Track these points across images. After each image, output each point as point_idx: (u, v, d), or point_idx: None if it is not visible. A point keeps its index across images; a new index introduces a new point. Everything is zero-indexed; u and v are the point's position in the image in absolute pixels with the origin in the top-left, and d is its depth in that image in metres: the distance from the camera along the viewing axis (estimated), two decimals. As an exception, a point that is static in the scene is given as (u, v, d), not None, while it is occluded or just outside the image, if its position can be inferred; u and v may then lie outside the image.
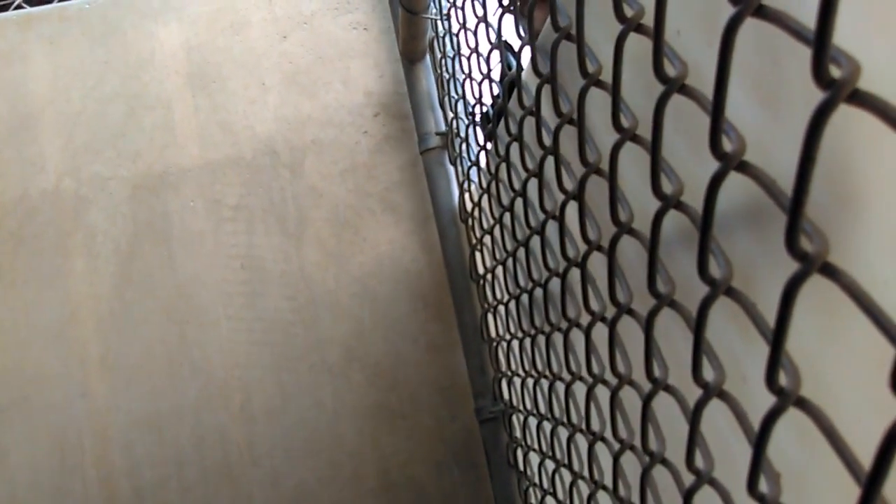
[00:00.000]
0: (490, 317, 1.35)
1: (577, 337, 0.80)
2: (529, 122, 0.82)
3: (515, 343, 1.17)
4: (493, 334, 1.36)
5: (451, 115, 1.39)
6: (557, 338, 0.90)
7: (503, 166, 0.98)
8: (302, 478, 1.44)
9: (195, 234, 1.53)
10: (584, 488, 0.88)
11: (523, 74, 0.84)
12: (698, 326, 0.45)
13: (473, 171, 1.26)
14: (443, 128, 1.47)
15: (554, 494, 1.07)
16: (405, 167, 1.56)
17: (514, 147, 0.91)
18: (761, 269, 0.47)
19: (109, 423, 1.45)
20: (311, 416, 1.48)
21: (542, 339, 0.97)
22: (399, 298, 1.54)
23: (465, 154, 1.30)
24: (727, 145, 0.40)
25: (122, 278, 1.50)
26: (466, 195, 1.36)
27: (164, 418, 1.46)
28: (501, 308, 1.24)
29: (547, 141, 0.73)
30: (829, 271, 0.35)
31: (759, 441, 0.39)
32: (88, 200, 1.53)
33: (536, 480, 1.19)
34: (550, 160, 0.75)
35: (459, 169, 1.38)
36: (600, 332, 0.71)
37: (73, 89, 1.58)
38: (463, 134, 1.29)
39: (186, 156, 1.56)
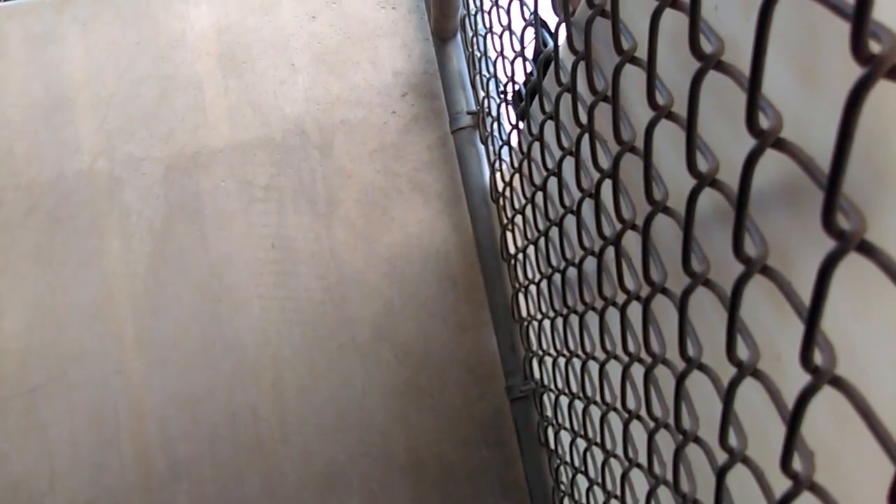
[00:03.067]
0: (521, 297, 1.35)
1: (611, 317, 0.80)
2: (564, 100, 0.81)
3: (547, 323, 1.18)
4: (525, 314, 1.36)
5: (482, 93, 1.38)
6: (591, 317, 0.90)
7: (536, 145, 0.98)
8: (332, 454, 1.46)
9: (227, 214, 1.55)
10: (617, 466, 0.89)
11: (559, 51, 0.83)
12: (733, 305, 0.45)
13: (505, 150, 1.25)
14: (474, 107, 1.46)
15: (585, 473, 1.07)
16: (434, 147, 1.56)
17: (548, 126, 0.91)
18: (797, 248, 0.46)
19: (145, 399, 1.48)
20: (341, 394, 1.50)
21: (574, 319, 0.97)
22: (428, 278, 1.54)
23: (496, 133, 1.29)
24: (764, 122, 0.40)
25: (156, 257, 1.53)
26: (497, 175, 1.35)
27: (197, 395, 1.49)
28: (533, 288, 1.24)
29: (583, 118, 0.73)
30: (866, 249, 0.34)
31: (794, 419, 0.39)
32: (122, 181, 1.55)
33: (567, 459, 1.20)
34: (586, 138, 0.75)
35: (491, 148, 1.37)
36: (635, 312, 0.71)
37: (107, 71, 1.60)
38: (494, 113, 1.28)
39: (217, 136, 1.58)
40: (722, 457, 0.53)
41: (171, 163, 1.56)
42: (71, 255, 1.52)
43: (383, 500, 1.46)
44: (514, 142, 1.18)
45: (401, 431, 1.49)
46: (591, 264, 0.86)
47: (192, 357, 1.50)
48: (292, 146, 1.58)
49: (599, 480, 0.99)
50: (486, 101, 1.35)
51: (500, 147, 1.27)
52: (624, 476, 0.86)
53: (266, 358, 1.51)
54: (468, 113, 1.44)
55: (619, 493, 0.89)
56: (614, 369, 0.83)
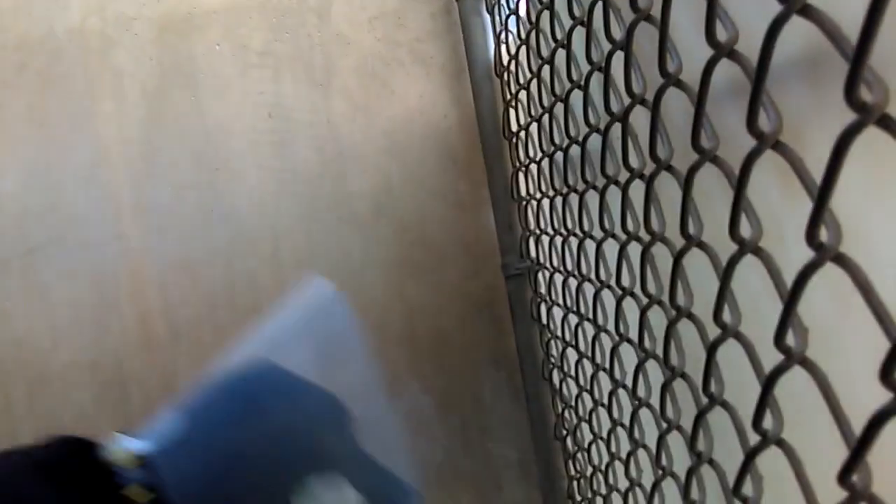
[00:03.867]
0: (521, 176, 1.34)
1: (612, 196, 0.80)
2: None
3: (546, 202, 1.17)
4: (524, 193, 1.35)
5: (489, -41, 1.31)
6: (591, 197, 0.89)
7: (545, 14, 0.94)
8: (330, 323, 1.50)
9: (222, 80, 1.51)
10: (607, 341, 0.91)
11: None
12: (741, 180, 0.44)
13: (512, 21, 1.20)
14: (479, -27, 1.39)
15: (576, 347, 1.10)
16: (437, 15, 1.50)
17: (557, -7, 0.87)
18: (811, 125, 0.45)
19: (144, 264, 1.50)
20: (339, 266, 1.51)
21: (574, 198, 0.97)
22: (428, 155, 1.52)
23: (503, 2, 1.24)
24: (793, -13, 0.38)
25: (151, 122, 1.50)
26: (503, 47, 1.31)
27: (196, 262, 1.50)
28: (533, 167, 1.23)
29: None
30: (886, 123, 0.33)
31: (792, 294, 0.39)
32: (114, 41, 1.49)
33: (559, 334, 1.23)
34: (599, 6, 0.71)
35: (497, 18, 1.32)
36: (637, 192, 0.70)
37: (94, -79, 1.51)
38: (501, -21, 1.22)
39: (212, -3, 1.51)
40: (714, 332, 0.54)
41: (164, 23, 1.50)
42: (63, 116, 1.48)
43: (380, 368, 1.50)
44: (523, 11, 1.13)
45: (397, 305, 1.51)
46: (594, 143, 0.85)
47: (191, 225, 1.50)
48: (289, 9, 1.51)
49: (589, 354, 1.02)
50: (494, -34, 1.29)
51: (507, 17, 1.22)
52: (614, 350, 0.88)
53: (265, 228, 1.51)
54: (475, -21, 1.37)
55: (607, 366, 0.92)
56: (611, 249, 0.83)
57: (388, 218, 1.52)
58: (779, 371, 0.43)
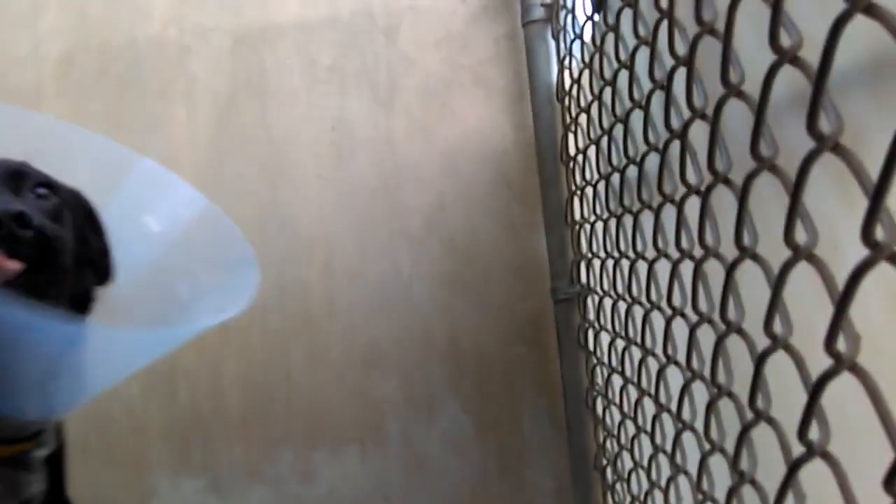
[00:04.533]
0: (576, 200, 1.34)
1: (667, 214, 0.79)
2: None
3: (600, 225, 1.17)
4: (578, 217, 1.36)
5: (557, -15, 1.34)
6: (646, 217, 0.89)
7: (609, 37, 0.95)
8: (375, 335, 1.51)
9: (289, 93, 1.56)
10: (654, 365, 0.90)
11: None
12: (798, 183, 0.44)
13: (577, 45, 1.22)
14: (548, -1, 1.42)
15: (622, 373, 1.09)
16: (501, 40, 1.53)
17: (625, 15, 0.88)
18: (872, 132, 0.45)
19: (201, 266, 1.54)
20: (388, 280, 1.53)
21: (628, 219, 0.97)
22: (483, 176, 1.54)
23: (569, 27, 1.26)
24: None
25: (220, 129, 1.55)
26: (566, 72, 1.32)
27: (251, 267, 1.53)
28: (589, 190, 1.23)
29: (664, 3, 0.70)
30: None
31: (844, 295, 0.39)
32: (191, 50, 1.56)
33: (605, 360, 1.22)
34: (663, 25, 0.72)
35: (562, 44, 1.34)
36: (692, 209, 0.70)
37: (181, -63, 1.59)
38: (570, 4, 1.24)
39: (285, 12, 1.57)
40: (764, 343, 0.53)
41: (239, 36, 1.57)
42: (138, 119, 1.55)
43: (420, 384, 1.51)
44: (588, 36, 1.14)
45: (443, 321, 1.52)
46: (652, 162, 0.85)
47: (249, 229, 1.53)
48: (358, 28, 1.56)
49: (634, 379, 1.01)
50: (561, -8, 1.31)
51: (572, 41, 1.24)
52: (660, 373, 0.87)
53: (319, 238, 1.54)
54: (542, 5, 1.39)
55: (653, 390, 0.91)
56: (663, 269, 0.83)
57: (439, 235, 1.53)
58: (828, 376, 0.42)
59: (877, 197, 0.35)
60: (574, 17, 1.22)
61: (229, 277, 0.91)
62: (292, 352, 1.52)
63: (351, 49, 1.56)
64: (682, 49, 0.68)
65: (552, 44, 1.41)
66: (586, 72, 1.14)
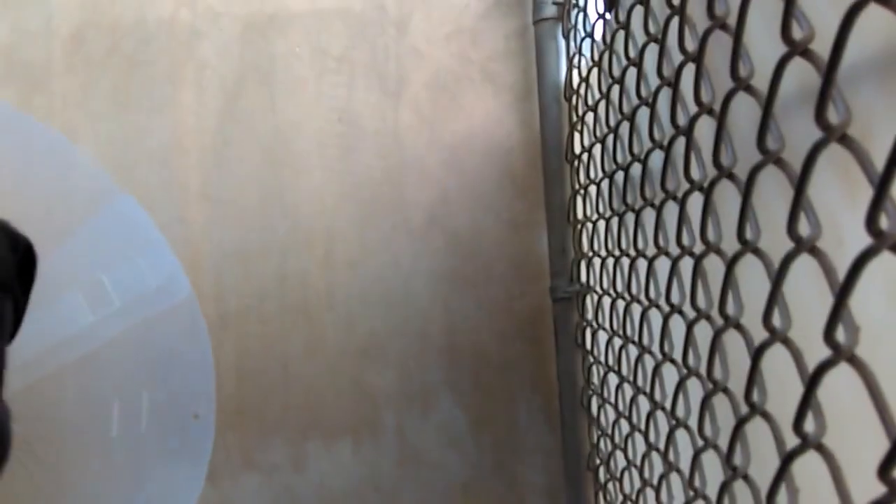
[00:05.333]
0: (579, 199, 1.35)
1: (669, 211, 0.80)
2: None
3: (602, 223, 1.17)
4: (580, 216, 1.36)
5: (569, -17, 1.34)
6: (648, 215, 0.89)
7: (620, 34, 0.95)
8: (373, 326, 1.51)
9: (298, 81, 1.56)
10: (650, 363, 0.90)
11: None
12: (803, 173, 0.44)
13: (587, 44, 1.22)
14: (559, -3, 1.42)
15: (618, 371, 1.09)
16: (511, 37, 1.53)
17: (636, 13, 0.88)
18: (881, 126, 0.45)
19: (202, 250, 1.54)
20: (388, 273, 1.53)
21: (630, 217, 0.97)
22: (488, 172, 1.54)
23: (580, 26, 1.26)
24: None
25: (226, 114, 1.55)
26: (575, 71, 1.32)
27: (251, 253, 1.54)
28: (592, 189, 1.23)
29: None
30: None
31: (845, 286, 0.39)
32: (201, 34, 1.56)
33: (602, 359, 1.22)
34: (674, 23, 0.72)
35: (572, 43, 1.34)
36: (694, 207, 0.70)
37: (196, -79, 1.59)
38: (581, 3, 1.24)
39: (297, 0, 1.57)
40: (762, 337, 0.53)
41: (249, 21, 1.57)
42: (145, 100, 1.55)
43: (417, 377, 1.51)
44: (598, 35, 1.15)
45: (441, 315, 1.52)
46: (656, 160, 0.85)
47: (251, 217, 1.54)
48: (369, 19, 1.56)
49: (630, 378, 1.01)
50: (573, -9, 1.31)
51: (582, 39, 1.24)
52: (656, 370, 0.87)
53: (321, 229, 1.54)
54: (553, 3, 1.40)
55: (648, 388, 0.91)
56: (662, 267, 0.83)
57: (440, 230, 1.53)
58: (825, 366, 0.42)
59: (882, 185, 0.35)
60: (586, 16, 1.22)
61: None
62: (290, 341, 1.52)
63: (361, 40, 1.56)
64: (691, 45, 0.68)
65: (562, 42, 1.41)
66: (595, 70, 1.14)
